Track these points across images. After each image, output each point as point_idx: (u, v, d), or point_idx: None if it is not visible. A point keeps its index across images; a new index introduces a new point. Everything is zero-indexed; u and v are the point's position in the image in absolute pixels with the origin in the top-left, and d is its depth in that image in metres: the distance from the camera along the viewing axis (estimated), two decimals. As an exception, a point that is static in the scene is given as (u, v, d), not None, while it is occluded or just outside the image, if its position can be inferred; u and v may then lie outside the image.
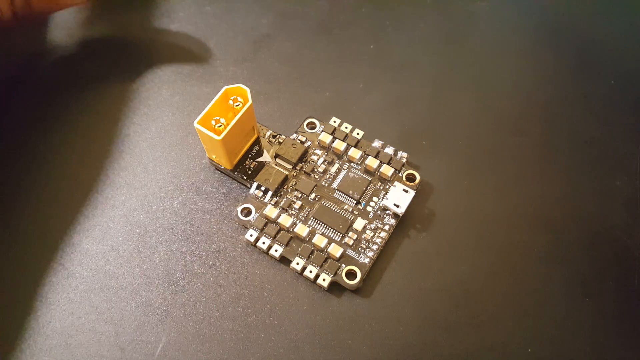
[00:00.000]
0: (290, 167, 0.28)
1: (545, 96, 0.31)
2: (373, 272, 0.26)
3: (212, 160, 0.28)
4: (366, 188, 0.27)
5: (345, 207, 0.27)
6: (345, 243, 0.26)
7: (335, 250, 0.25)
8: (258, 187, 0.27)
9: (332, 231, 0.26)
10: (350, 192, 0.27)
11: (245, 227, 0.26)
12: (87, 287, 0.25)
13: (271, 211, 0.26)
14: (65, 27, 0.34)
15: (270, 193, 0.27)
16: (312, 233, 0.26)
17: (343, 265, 0.25)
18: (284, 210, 0.27)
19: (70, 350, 0.24)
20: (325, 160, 0.28)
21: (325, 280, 0.25)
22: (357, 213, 0.27)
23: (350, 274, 0.25)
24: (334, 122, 0.29)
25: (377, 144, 0.28)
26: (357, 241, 0.26)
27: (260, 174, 0.27)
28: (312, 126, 0.29)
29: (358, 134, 0.29)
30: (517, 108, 0.31)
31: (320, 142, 0.28)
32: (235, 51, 0.33)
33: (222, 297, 0.25)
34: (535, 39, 0.34)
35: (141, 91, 0.31)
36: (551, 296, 0.25)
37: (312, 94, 0.31)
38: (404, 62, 0.33)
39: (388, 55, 0.33)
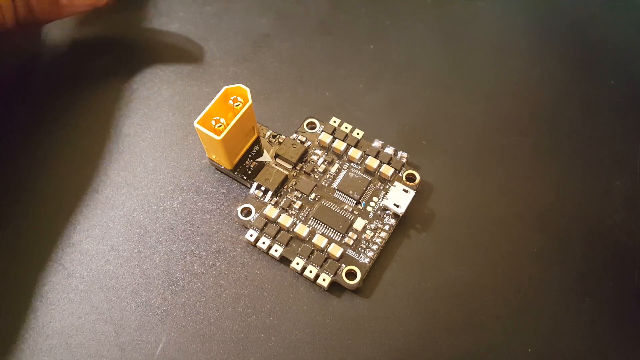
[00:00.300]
0: (290, 167, 0.28)
1: (545, 96, 0.31)
2: (373, 272, 0.26)
3: (212, 160, 0.28)
4: (366, 188, 0.27)
5: (345, 207, 0.27)
6: (345, 243, 0.26)
7: (335, 250, 0.25)
8: (258, 187, 0.27)
9: (332, 231, 0.26)
10: (350, 192, 0.27)
11: (245, 227, 0.26)
12: (87, 287, 0.25)
13: (271, 211, 0.26)
14: (64, 27, 0.34)
15: (270, 193, 0.27)
16: (312, 233, 0.26)
17: (343, 265, 0.25)
18: (284, 210, 0.27)
19: (70, 350, 0.24)
20: (325, 160, 0.28)
21: (325, 280, 0.25)
22: (357, 213, 0.27)
23: (350, 274, 0.25)
24: (334, 122, 0.29)
25: (377, 144, 0.28)
26: (357, 241, 0.26)
27: (260, 174, 0.27)
28: (312, 126, 0.29)
29: (358, 134, 0.29)
30: (517, 108, 0.31)
31: (320, 142, 0.28)
32: (235, 51, 0.33)
33: (222, 297, 0.25)
34: (535, 39, 0.34)
35: (141, 91, 0.31)
36: (551, 296, 0.25)
37: (312, 94, 0.31)
38: (403, 62, 0.33)
39: (388, 55, 0.33)
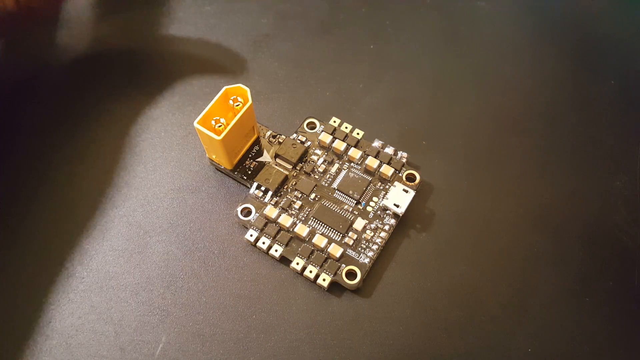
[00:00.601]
0: (290, 167, 0.28)
1: (545, 96, 0.31)
2: (373, 272, 0.26)
3: (212, 160, 0.28)
4: (366, 188, 0.27)
5: (345, 207, 0.27)
6: (345, 243, 0.26)
7: (335, 250, 0.25)
8: (258, 187, 0.27)
9: (332, 231, 0.26)
10: (350, 192, 0.27)
11: (245, 227, 0.26)
12: (87, 287, 0.25)
13: (271, 211, 0.26)
14: (64, 27, 0.34)
15: (270, 193, 0.27)
16: (312, 233, 0.26)
17: (343, 265, 0.25)
18: (284, 210, 0.27)
19: (70, 350, 0.24)
20: (325, 160, 0.28)
21: (325, 280, 0.25)
22: (357, 213, 0.27)
23: (350, 274, 0.25)
24: (334, 122, 0.29)
25: (377, 144, 0.28)
26: (357, 241, 0.26)
27: (260, 174, 0.27)
28: (312, 126, 0.29)
29: (358, 134, 0.29)
30: (517, 108, 0.31)
31: (320, 142, 0.28)
32: (235, 51, 0.33)
33: (222, 297, 0.25)
34: (535, 39, 0.34)
35: (141, 91, 0.31)
36: (551, 296, 0.25)
37: (312, 94, 0.31)
38: (404, 62, 0.33)
39: (388, 55, 0.33)
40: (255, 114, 0.27)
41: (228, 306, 0.25)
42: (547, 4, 0.36)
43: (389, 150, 0.28)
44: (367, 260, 0.25)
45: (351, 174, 0.28)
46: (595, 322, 0.25)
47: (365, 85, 0.32)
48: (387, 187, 0.27)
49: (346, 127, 0.29)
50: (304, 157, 0.28)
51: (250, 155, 0.28)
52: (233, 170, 0.28)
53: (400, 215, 0.26)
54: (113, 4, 0.35)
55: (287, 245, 0.26)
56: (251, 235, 0.26)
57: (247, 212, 0.27)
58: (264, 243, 0.26)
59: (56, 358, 0.24)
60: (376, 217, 0.27)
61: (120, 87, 0.31)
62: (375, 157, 0.28)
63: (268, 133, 0.29)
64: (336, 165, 0.28)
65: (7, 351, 0.24)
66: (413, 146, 0.29)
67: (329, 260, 0.25)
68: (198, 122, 0.25)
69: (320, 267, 0.25)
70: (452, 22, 0.35)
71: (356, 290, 0.25)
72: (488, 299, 0.25)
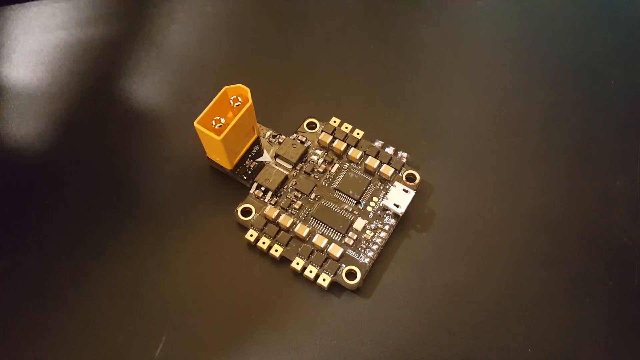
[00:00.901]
0: (290, 167, 0.28)
1: (545, 96, 0.31)
2: (373, 272, 0.26)
3: (212, 160, 0.28)
4: (366, 188, 0.27)
5: (345, 207, 0.27)
6: (345, 243, 0.26)
7: (335, 250, 0.25)
8: (258, 187, 0.27)
9: (332, 231, 0.26)
10: (350, 192, 0.27)
11: (245, 227, 0.26)
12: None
13: (271, 211, 0.26)
14: (64, 27, 0.34)
15: (270, 193, 0.27)
16: (312, 233, 0.26)
17: (343, 265, 0.25)
18: (284, 210, 0.27)
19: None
20: (325, 160, 0.28)
21: (325, 280, 0.25)
22: (357, 213, 0.27)
23: (350, 274, 0.25)
24: (334, 122, 0.29)
25: (377, 144, 0.28)
26: (357, 241, 0.26)
27: (260, 174, 0.27)
28: (312, 126, 0.29)
29: (358, 134, 0.29)
30: (516, 108, 0.31)
31: (320, 142, 0.28)
32: (235, 51, 0.33)
33: (222, 297, 0.25)
34: (535, 39, 0.34)
35: (141, 90, 0.31)
36: (551, 296, 0.25)
37: (312, 94, 0.31)
38: (403, 62, 0.33)
39: (388, 55, 0.33)
40: (255, 114, 0.27)
41: (228, 306, 0.25)
42: (547, 4, 0.36)
43: (389, 150, 0.28)
44: (367, 260, 0.25)
45: (351, 174, 0.28)
46: (595, 322, 0.25)
47: (365, 85, 0.32)
48: (387, 187, 0.27)
49: (346, 127, 0.29)
50: (304, 157, 0.28)
51: (250, 155, 0.28)
52: (233, 170, 0.28)
53: (400, 215, 0.26)
54: (113, 4, 0.35)
55: (287, 245, 0.26)
56: (251, 235, 0.26)
57: (247, 212, 0.27)
58: (264, 243, 0.26)
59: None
60: (376, 217, 0.26)
61: (120, 87, 0.31)
62: (375, 157, 0.28)
63: (268, 133, 0.29)
64: (336, 165, 0.28)
65: (9, 353, 0.24)
66: (413, 146, 0.29)
67: (329, 260, 0.25)
68: (198, 122, 0.25)
69: (320, 267, 0.25)
70: (452, 22, 0.35)
71: (356, 290, 0.25)
72: (488, 299, 0.25)
